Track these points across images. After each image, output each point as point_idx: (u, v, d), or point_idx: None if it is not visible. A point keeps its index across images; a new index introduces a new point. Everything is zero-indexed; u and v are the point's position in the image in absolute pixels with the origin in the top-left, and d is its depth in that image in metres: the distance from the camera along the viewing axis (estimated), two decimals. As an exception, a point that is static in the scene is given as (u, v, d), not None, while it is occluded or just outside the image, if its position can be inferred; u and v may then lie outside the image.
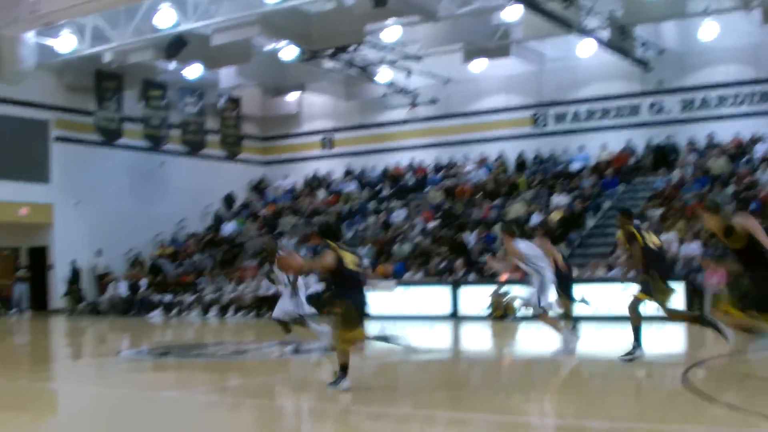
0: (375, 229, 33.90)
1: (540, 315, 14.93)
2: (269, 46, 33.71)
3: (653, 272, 13.14)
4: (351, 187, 38.96)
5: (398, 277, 29.45)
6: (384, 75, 36.88)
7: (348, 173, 40.40)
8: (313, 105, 42.89)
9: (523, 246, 14.94)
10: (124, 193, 37.87)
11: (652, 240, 13.60)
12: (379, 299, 25.94)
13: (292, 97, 42.79)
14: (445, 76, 37.44)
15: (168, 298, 33.13)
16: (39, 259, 37.13)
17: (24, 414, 10.01)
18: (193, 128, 39.74)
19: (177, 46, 31.16)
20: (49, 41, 32.76)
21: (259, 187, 43.26)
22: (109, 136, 36.64)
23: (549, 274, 14.89)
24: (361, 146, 41.07)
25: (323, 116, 42.77)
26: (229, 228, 38.80)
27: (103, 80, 36.21)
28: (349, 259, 11.33)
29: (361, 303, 11.32)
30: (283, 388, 11.91)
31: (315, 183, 41.01)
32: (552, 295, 15.09)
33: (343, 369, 10.90)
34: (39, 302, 37.24)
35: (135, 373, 14.20)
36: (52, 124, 36.28)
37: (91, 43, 32.91)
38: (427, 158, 38.36)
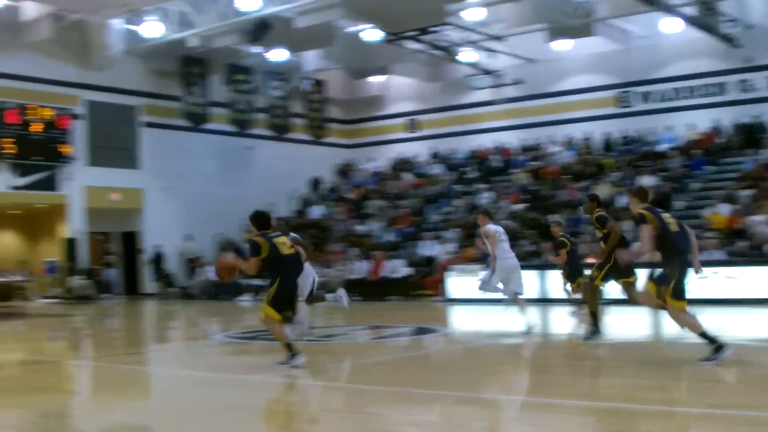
0: (461, 212, 33.74)
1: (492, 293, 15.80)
2: (352, 29, 33.72)
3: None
4: (437, 169, 38.81)
5: (484, 260, 29.26)
6: (467, 56, 36.66)
7: (433, 155, 40.26)
8: (398, 87, 42.83)
9: (494, 229, 15.56)
10: (212, 178, 38.30)
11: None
12: (468, 283, 25.86)
13: (377, 79, 42.78)
14: (529, 56, 37.08)
15: (257, 282, 33.36)
16: (130, 244, 37.73)
17: (119, 396, 10.15)
18: (279, 112, 39.99)
19: (261, 30, 31.32)
20: (136, 27, 33.19)
21: (345, 171, 43.34)
22: (196, 121, 37.08)
23: (510, 262, 15.51)
24: (446, 128, 40.92)
25: (407, 98, 42.69)
26: (316, 211, 38.95)
27: (188, 65, 36.62)
28: (281, 242, 11.92)
29: (292, 284, 11.83)
30: (372, 371, 11.88)
31: (400, 166, 40.95)
32: (513, 280, 15.53)
33: (287, 348, 11.44)
34: (131, 286, 37.85)
35: (225, 356, 14.31)
36: (141, 110, 36.82)
37: (176, 28, 33.33)
38: (512, 139, 38.05)
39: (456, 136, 40.37)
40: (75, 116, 34.76)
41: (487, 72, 37.61)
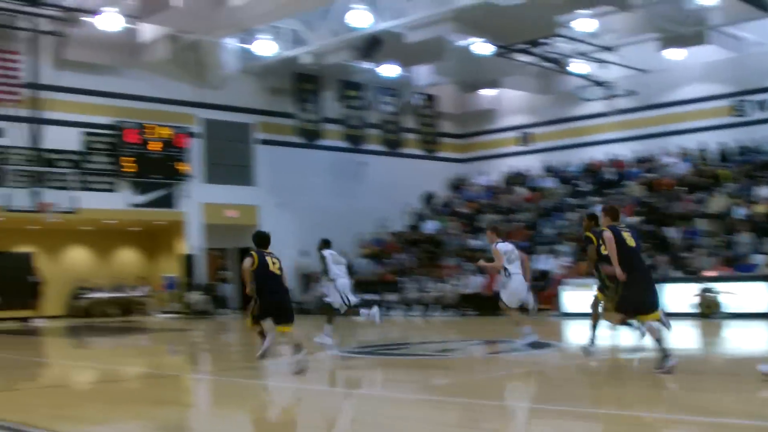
0: (575, 226, 33.39)
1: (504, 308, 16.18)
2: (463, 42, 33.69)
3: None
4: (550, 182, 38.50)
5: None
6: (579, 67, 36.33)
7: (546, 169, 39.97)
8: (509, 100, 42.67)
9: (503, 247, 15.99)
10: (326, 193, 38.64)
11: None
12: (583, 298, 25.59)
13: (488, 92, 42.67)
14: (641, 66, 36.56)
15: (373, 297, 33.50)
16: (246, 260, 38.16)
17: (236, 409, 10.28)
18: (391, 127, 40.17)
19: (373, 46, 31.52)
20: (249, 46, 33.71)
21: (457, 185, 43.30)
22: (310, 137, 37.48)
23: (515, 280, 15.89)
24: (559, 141, 40.60)
25: (519, 111, 42.49)
26: (429, 226, 38.97)
27: (302, 82, 37.04)
28: (270, 263, 13.79)
29: (273, 300, 13.60)
30: (486, 386, 11.83)
31: (513, 179, 40.74)
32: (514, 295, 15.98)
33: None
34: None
35: (341, 370, 14.39)
36: (256, 127, 37.38)
37: (289, 46, 33.76)
38: (625, 151, 37.49)
39: (569, 149, 40.00)
40: (192, 134, 35.49)
41: (599, 83, 37.20)
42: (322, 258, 18.14)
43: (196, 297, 35.15)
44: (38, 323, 31.31)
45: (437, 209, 41.43)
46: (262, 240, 14.45)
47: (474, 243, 34.70)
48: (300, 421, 9.42)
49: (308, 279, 36.33)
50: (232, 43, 34.48)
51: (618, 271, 11.88)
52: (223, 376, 13.90)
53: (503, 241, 16.31)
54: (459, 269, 32.19)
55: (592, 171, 37.57)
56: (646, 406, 9.72)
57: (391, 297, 32.74)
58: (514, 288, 15.98)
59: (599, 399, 10.56)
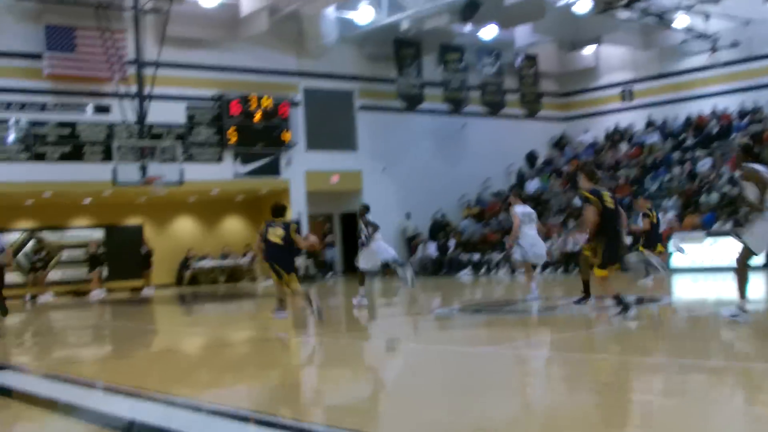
0: (680, 180, 32.95)
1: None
2: (562, 1, 33.35)
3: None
4: (653, 138, 37.95)
5: (707, 228, 28.52)
6: (681, 21, 35.66)
7: (649, 124, 39.41)
8: (610, 57, 42.10)
9: (520, 209, 17.54)
10: (428, 157, 38.71)
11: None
12: (689, 252, 25.34)
13: (589, 50, 42.16)
14: (745, 17, 35.72)
15: (476, 257, 33.55)
16: (350, 225, 38.56)
17: (348, 369, 10.44)
18: (492, 89, 39.95)
19: (471, 8, 31.39)
20: (349, 14, 33.86)
21: (560, 144, 43.00)
22: (411, 102, 37.46)
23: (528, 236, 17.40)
24: (661, 96, 39.92)
25: (621, 68, 41.90)
26: (533, 185, 38.82)
27: (401, 48, 37.00)
28: (270, 232, 15.76)
29: (270, 261, 15.86)
30: (595, 342, 11.84)
31: (616, 136, 40.29)
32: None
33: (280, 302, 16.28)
34: (351, 265, 38.66)
35: (449, 329, 14.50)
36: (356, 94, 37.57)
37: (387, 12, 33.77)
38: (730, 104, 36.75)
39: (672, 104, 39.33)
40: (293, 104, 35.83)
41: (702, 36, 36.48)
42: (365, 223, 19.50)
43: (301, 262, 35.56)
44: (149, 292, 32.05)
45: (540, 169, 41.24)
46: (275, 211, 16.46)
47: (578, 201, 34.46)
48: (413, 377, 9.53)
49: (411, 241, 36.55)
50: (331, 12, 34.66)
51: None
52: (330, 338, 14.08)
53: (522, 204, 17.94)
54: (562, 228, 32.04)
55: (696, 125, 36.95)
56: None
57: (496, 257, 32.75)
58: (527, 244, 17.34)
59: (710, 352, 10.50)
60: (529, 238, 17.51)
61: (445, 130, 39.57)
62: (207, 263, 36.80)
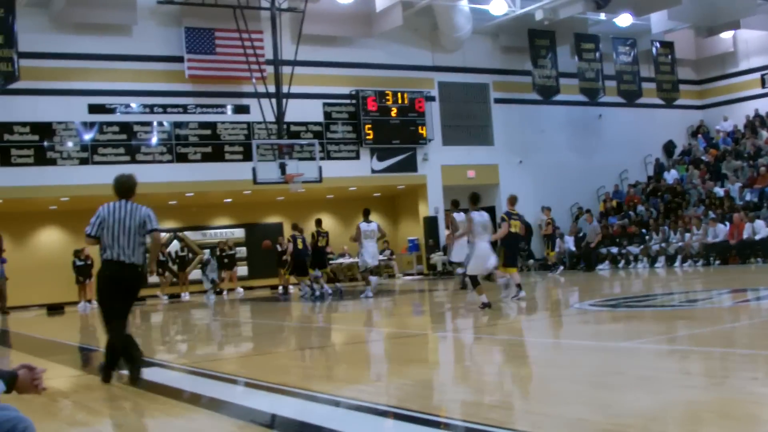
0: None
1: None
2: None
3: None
4: (796, 124, 36.94)
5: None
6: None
7: (792, 110, 38.34)
8: (749, 41, 41.02)
9: (477, 217, 17.34)
10: (564, 149, 38.40)
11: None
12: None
13: (727, 35, 41.16)
14: None
15: (615, 250, 33.10)
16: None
17: (489, 365, 10.43)
18: (628, 78, 39.30)
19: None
20: (482, 6, 33.78)
21: (698, 132, 42.13)
22: (546, 94, 37.11)
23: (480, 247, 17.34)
24: (806, 80, 38.86)
25: (761, 52, 40.77)
26: (671, 176, 38.13)
27: (535, 38, 36.70)
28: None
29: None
30: (736, 336, 11.58)
31: (757, 123, 39.28)
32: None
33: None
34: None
35: (587, 324, 14.36)
36: (491, 87, 37.46)
37: (521, 3, 33.62)
38: None
39: (817, 89, 38.27)
40: (429, 98, 35.92)
41: None
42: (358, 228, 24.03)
43: (438, 258, 35.64)
44: (289, 290, 32.51)
45: (678, 159, 40.48)
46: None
47: (717, 190, 33.74)
48: (552, 373, 9.48)
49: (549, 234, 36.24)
50: (465, 5, 34.65)
51: None
52: (468, 335, 14.09)
53: (479, 211, 17.47)
54: (703, 218, 31.39)
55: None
56: None
57: (634, 249, 32.27)
58: (479, 254, 17.17)
59: None
60: (482, 250, 17.28)
61: (581, 121, 39.19)
62: (345, 260, 37.14)
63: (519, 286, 18.67)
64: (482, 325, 14.81)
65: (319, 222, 26.92)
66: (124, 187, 10.30)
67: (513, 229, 19.08)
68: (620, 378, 8.50)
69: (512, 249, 19.36)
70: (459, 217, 22.15)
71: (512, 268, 19.20)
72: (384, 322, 18.02)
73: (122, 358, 9.93)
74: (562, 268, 32.20)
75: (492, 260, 17.55)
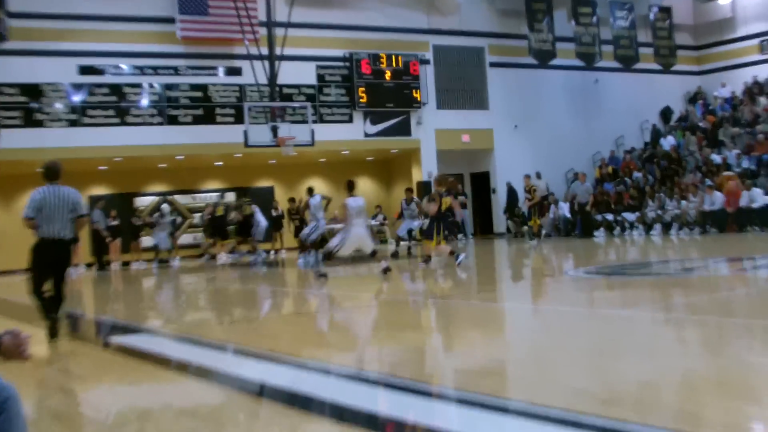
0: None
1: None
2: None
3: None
4: (795, 91, 36.83)
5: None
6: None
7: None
8: (748, 6, 40.87)
9: (352, 202, 18.30)
10: (560, 114, 38.28)
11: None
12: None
13: (725, 0, 41.01)
14: None
15: (610, 217, 33.04)
16: (481, 185, 38.44)
17: (479, 330, 10.35)
18: (625, 43, 39.12)
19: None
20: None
21: (695, 98, 42.01)
22: (543, 58, 36.93)
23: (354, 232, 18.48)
24: (805, 46, 38.74)
25: (759, 18, 40.61)
26: (668, 142, 38.03)
27: (532, 2, 36.51)
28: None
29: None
30: (732, 304, 11.53)
31: (755, 90, 39.15)
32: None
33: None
34: (484, 227, 38.64)
35: (582, 291, 14.25)
36: (487, 51, 37.27)
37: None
38: None
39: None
40: (423, 62, 35.72)
41: None
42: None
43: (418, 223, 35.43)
44: (280, 255, 32.40)
45: (675, 125, 40.37)
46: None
47: (715, 158, 33.66)
48: (546, 339, 9.42)
49: (544, 201, 36.09)
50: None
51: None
52: (460, 300, 13.99)
53: (354, 197, 18.43)
54: (699, 185, 31.31)
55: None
56: None
57: (630, 217, 32.21)
58: (351, 238, 18.33)
59: None
60: (355, 235, 18.39)
61: (577, 86, 39.06)
62: (336, 225, 36.95)
63: (452, 252, 20.53)
64: (469, 291, 14.74)
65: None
66: (52, 171, 11.66)
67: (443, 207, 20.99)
68: (616, 346, 8.44)
69: (432, 224, 20.84)
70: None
71: (429, 240, 20.90)
72: (375, 289, 17.86)
73: (49, 312, 11.17)
74: (536, 242, 31.23)
75: (368, 243, 18.92)
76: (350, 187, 18.45)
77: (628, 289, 13.88)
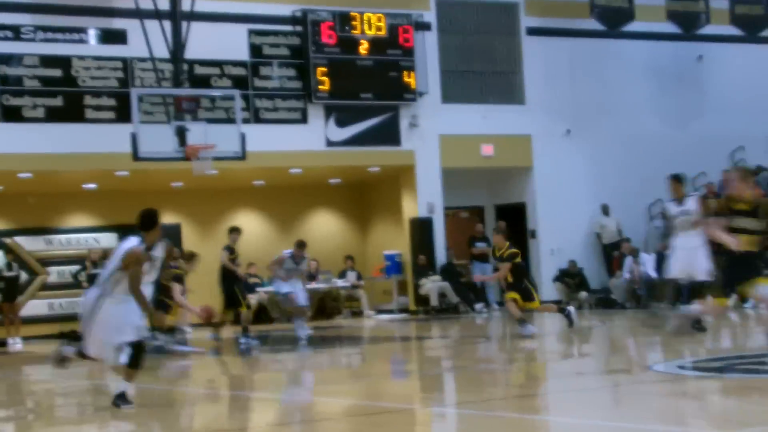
0: None
1: None
2: None
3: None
4: None
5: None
6: None
7: None
8: None
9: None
10: (641, 112, 38.10)
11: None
12: None
13: None
14: None
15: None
16: (513, 223, 38.09)
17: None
18: (747, -2, 39.14)
19: None
20: None
21: None
22: (614, 22, 36.85)
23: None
24: None
25: None
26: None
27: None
28: None
29: None
30: None
31: None
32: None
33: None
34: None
35: (677, 398, 14.00)
36: (522, 8, 37.11)
37: None
38: None
39: None
40: (421, 26, 35.44)
41: None
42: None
43: (434, 285, 35.21)
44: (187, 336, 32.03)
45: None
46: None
47: None
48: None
49: (611, 251, 35.69)
50: None
51: None
52: (479, 410, 13.65)
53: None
54: None
55: None
56: None
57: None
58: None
59: None
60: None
61: (668, 65, 38.85)
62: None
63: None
64: (494, 397, 14.52)
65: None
66: None
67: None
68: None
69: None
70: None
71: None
72: (346, 390, 17.52)
73: None
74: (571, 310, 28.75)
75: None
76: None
77: (755, 395, 13.56)
